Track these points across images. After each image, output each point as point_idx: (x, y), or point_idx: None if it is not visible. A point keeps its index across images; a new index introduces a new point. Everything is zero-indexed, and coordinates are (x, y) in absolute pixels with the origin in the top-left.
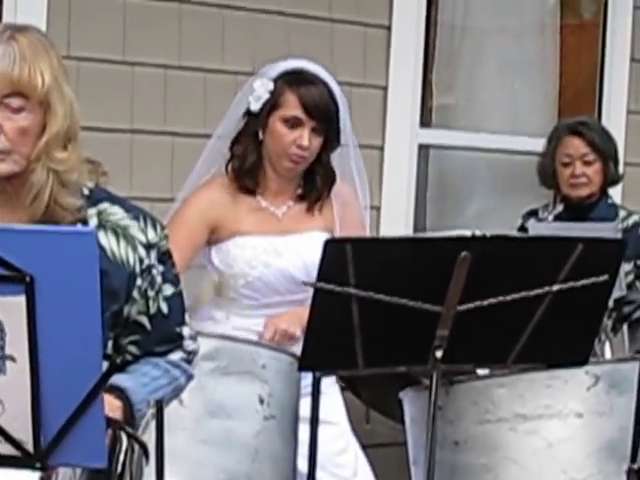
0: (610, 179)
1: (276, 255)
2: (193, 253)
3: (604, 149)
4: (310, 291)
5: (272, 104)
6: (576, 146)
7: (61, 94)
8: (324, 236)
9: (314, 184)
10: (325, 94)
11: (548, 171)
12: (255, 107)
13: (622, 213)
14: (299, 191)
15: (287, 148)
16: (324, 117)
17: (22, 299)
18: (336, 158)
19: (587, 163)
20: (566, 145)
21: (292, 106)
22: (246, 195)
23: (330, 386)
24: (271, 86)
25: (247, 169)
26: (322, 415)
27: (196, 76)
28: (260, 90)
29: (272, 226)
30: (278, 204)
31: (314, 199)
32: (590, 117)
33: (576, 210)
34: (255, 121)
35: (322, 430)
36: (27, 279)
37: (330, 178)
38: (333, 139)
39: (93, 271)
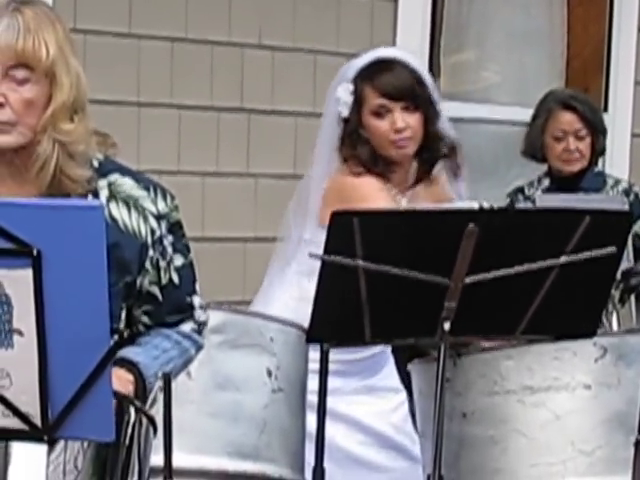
0: (598, 152)
1: None
2: None
3: (595, 123)
4: None
5: (358, 104)
6: (570, 121)
7: (67, 66)
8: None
9: (426, 160)
10: (401, 73)
11: (537, 144)
12: (345, 113)
13: (610, 181)
14: (419, 171)
15: (387, 136)
16: (408, 94)
17: (29, 272)
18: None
19: (580, 138)
20: (559, 120)
21: (372, 97)
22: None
23: (390, 356)
24: (352, 87)
25: (370, 157)
26: (389, 383)
27: (203, 48)
28: (344, 96)
29: None
30: (403, 191)
31: (429, 172)
32: (577, 91)
33: (565, 182)
34: (351, 124)
35: (392, 398)
36: (34, 252)
37: (443, 146)
38: (429, 110)
39: (100, 244)
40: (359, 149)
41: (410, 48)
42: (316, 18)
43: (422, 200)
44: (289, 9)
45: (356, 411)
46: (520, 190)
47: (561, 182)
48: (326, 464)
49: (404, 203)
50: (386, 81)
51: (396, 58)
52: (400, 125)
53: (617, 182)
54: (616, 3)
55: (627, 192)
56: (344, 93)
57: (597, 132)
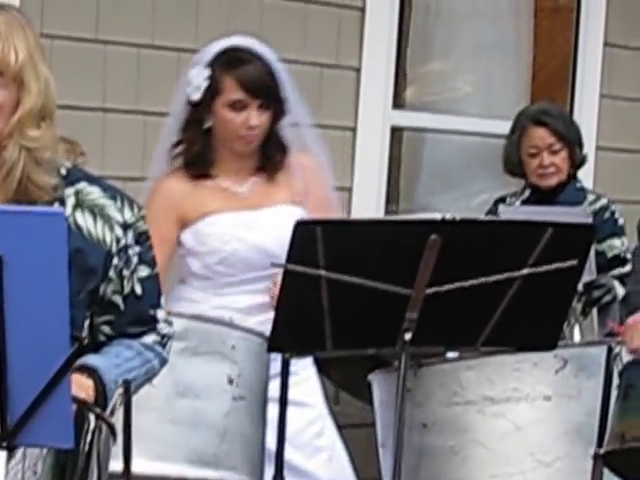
0: (576, 164)
1: (247, 229)
2: (169, 250)
3: (569, 136)
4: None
5: (213, 91)
6: (542, 137)
7: (36, 72)
8: (292, 209)
9: (270, 156)
10: (262, 69)
11: (514, 160)
12: (196, 97)
13: (590, 197)
14: (256, 165)
15: (238, 131)
16: (267, 93)
17: None
18: (296, 139)
19: (554, 152)
20: (531, 136)
21: (233, 90)
22: (206, 179)
23: (307, 368)
24: (207, 73)
25: (195, 156)
26: (300, 397)
27: (169, 55)
28: (197, 79)
29: (238, 203)
30: (240, 182)
31: (272, 170)
32: (550, 103)
33: (544, 195)
34: (199, 110)
35: (299, 413)
36: None
37: (284, 147)
38: (279, 110)
39: (62, 251)
40: (192, 140)
41: (377, 58)
42: (283, 26)
43: (260, 194)
44: (256, 17)
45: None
46: (502, 200)
47: (540, 194)
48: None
49: (244, 189)
50: (249, 75)
51: (256, 51)
52: (254, 122)
53: (598, 198)
54: (582, 16)
55: (603, 209)
56: (198, 77)
57: (572, 144)
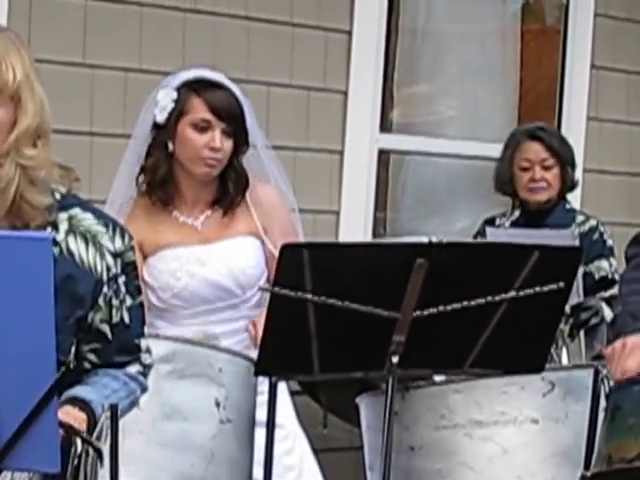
0: (568, 184)
1: (200, 264)
2: None
3: (562, 154)
4: (241, 297)
5: (178, 112)
6: (536, 151)
7: (32, 91)
8: (247, 240)
9: (227, 189)
10: (230, 97)
11: (505, 177)
12: (161, 118)
13: (579, 218)
14: (213, 197)
15: (200, 152)
16: (232, 119)
17: None
18: (252, 163)
19: (546, 168)
20: (525, 150)
21: (200, 110)
22: (162, 210)
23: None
24: (175, 95)
25: (159, 181)
26: (263, 416)
27: (157, 79)
28: (164, 100)
29: (192, 237)
30: (195, 214)
31: (229, 204)
32: (546, 124)
33: (533, 216)
34: (163, 132)
35: (263, 431)
36: None
37: (243, 181)
38: (242, 142)
39: (48, 276)
40: (158, 164)
41: (364, 81)
42: (270, 50)
43: (214, 228)
44: (243, 42)
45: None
46: (491, 220)
47: (530, 216)
48: None
49: (197, 223)
50: (217, 99)
51: (224, 82)
52: (217, 145)
53: (587, 219)
54: (569, 39)
55: (592, 231)
56: (165, 99)
57: (565, 163)
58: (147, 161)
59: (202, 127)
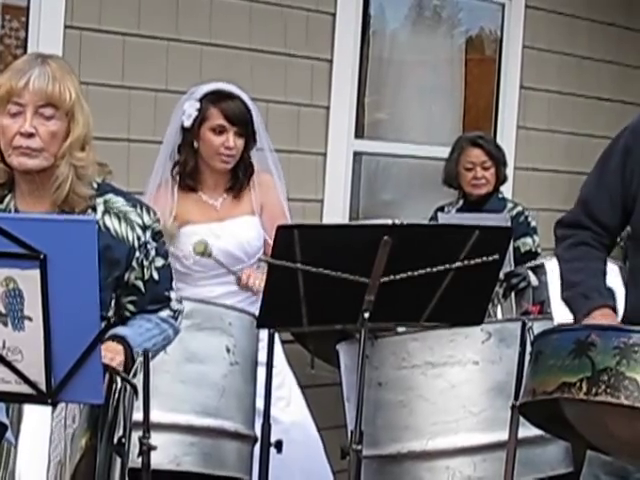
0: (501, 179)
1: (215, 237)
2: None
3: (497, 157)
4: (246, 263)
5: (200, 119)
6: (477, 155)
7: (81, 107)
8: (252, 219)
9: (238, 177)
10: (241, 105)
11: (452, 174)
12: (188, 123)
13: (509, 205)
14: (229, 184)
15: (218, 150)
16: (242, 122)
17: (37, 272)
18: (258, 161)
19: (485, 168)
20: (469, 154)
21: (216, 117)
22: (190, 192)
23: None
24: (198, 105)
25: (188, 172)
26: (263, 358)
27: (180, 98)
28: (190, 110)
29: (212, 215)
30: (215, 197)
31: (239, 188)
32: (484, 132)
33: (473, 204)
34: (189, 134)
35: (263, 370)
36: (41, 256)
37: (249, 171)
38: (251, 140)
39: (93, 250)
40: (187, 159)
41: (342, 98)
42: (269, 74)
43: (228, 208)
44: (248, 68)
45: None
46: (441, 208)
47: (471, 204)
48: None
49: (217, 204)
50: (230, 108)
51: (238, 93)
52: (231, 144)
53: (515, 206)
54: (503, 66)
55: (518, 215)
56: (190, 108)
57: (499, 164)
58: (179, 157)
59: (219, 131)
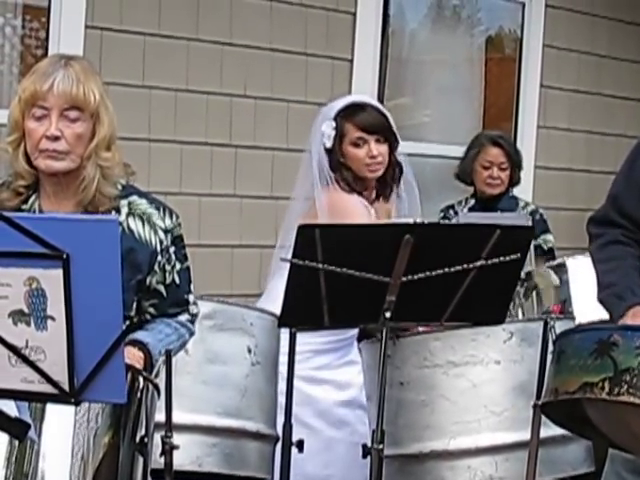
0: (514, 181)
1: None
2: None
3: (515, 160)
4: None
5: (340, 136)
6: (496, 155)
7: (106, 108)
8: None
9: (387, 183)
10: (373, 112)
11: (467, 170)
12: (329, 144)
13: (521, 203)
14: (376, 191)
15: (364, 161)
16: (379, 129)
17: (60, 272)
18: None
19: (502, 169)
20: (488, 153)
21: (353, 131)
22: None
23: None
24: (333, 124)
25: (352, 180)
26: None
27: (200, 97)
28: (327, 130)
29: (370, 217)
30: (371, 200)
31: (388, 191)
32: (505, 133)
33: (485, 203)
34: (334, 154)
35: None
36: (64, 256)
37: (399, 170)
38: (393, 140)
39: (116, 250)
40: (344, 173)
41: (363, 91)
42: (290, 75)
43: (380, 213)
44: (268, 68)
45: (340, 376)
46: (451, 207)
47: (483, 202)
48: (310, 418)
49: (373, 212)
50: (363, 119)
51: (368, 102)
52: (374, 153)
53: (526, 204)
54: (523, 64)
55: (533, 213)
56: (327, 128)
57: (515, 166)
58: (336, 175)
59: (359, 143)
